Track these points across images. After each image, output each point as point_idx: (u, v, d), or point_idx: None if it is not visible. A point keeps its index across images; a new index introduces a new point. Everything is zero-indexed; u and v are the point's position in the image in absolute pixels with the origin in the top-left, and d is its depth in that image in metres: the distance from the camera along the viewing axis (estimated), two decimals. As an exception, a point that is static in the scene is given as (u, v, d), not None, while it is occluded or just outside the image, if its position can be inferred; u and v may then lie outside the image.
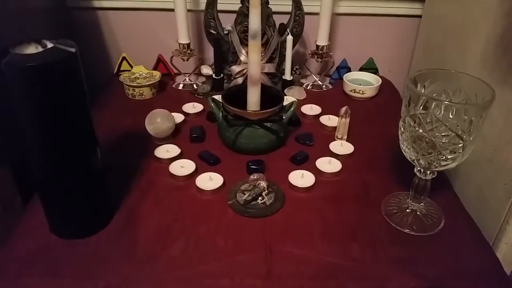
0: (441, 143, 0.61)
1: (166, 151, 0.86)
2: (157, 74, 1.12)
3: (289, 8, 1.11)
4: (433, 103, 0.59)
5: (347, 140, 0.92)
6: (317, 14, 1.10)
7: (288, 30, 1.09)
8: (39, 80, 0.55)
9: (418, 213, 0.73)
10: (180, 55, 1.13)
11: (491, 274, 0.64)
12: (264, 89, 0.85)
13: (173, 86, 1.16)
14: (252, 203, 0.74)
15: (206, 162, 0.85)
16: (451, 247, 0.68)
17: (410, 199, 0.73)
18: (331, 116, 1.00)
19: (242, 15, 1.07)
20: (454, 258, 0.66)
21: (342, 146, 0.89)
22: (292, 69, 1.13)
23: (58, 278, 0.62)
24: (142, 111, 0.93)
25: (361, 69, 1.20)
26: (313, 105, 1.05)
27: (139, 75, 1.12)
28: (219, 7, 1.10)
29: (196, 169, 0.82)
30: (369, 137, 0.94)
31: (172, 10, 1.07)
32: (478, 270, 0.64)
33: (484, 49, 0.83)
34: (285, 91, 1.11)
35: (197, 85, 1.15)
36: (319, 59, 1.15)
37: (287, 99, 1.01)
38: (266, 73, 1.09)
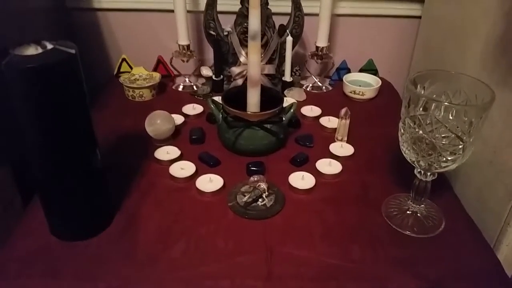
0: (441, 145, 0.61)
1: (166, 152, 0.86)
2: (157, 76, 1.12)
3: (288, 9, 1.11)
4: (433, 104, 0.59)
5: (347, 142, 0.92)
6: (316, 15, 1.10)
7: (287, 31, 1.09)
8: (39, 81, 0.55)
9: (418, 214, 0.73)
10: (180, 57, 1.13)
11: (492, 275, 0.64)
12: (264, 90, 0.85)
13: (173, 87, 1.16)
14: (252, 205, 0.74)
15: (206, 164, 0.84)
16: (452, 248, 0.68)
17: (411, 201, 0.73)
18: (331, 118, 1.00)
19: (242, 16, 1.07)
20: (455, 259, 0.66)
21: (342, 148, 0.89)
22: (292, 71, 1.13)
23: (58, 279, 0.61)
24: (142, 112, 0.93)
25: (361, 70, 1.20)
26: (313, 107, 1.05)
27: (139, 76, 1.12)
28: (219, 8, 1.10)
29: (196, 171, 0.82)
30: (369, 138, 0.94)
31: (172, 11, 1.07)
32: (478, 271, 0.64)
33: (484, 49, 0.83)
34: (285, 92, 1.11)
35: (197, 87, 1.15)
36: (319, 60, 1.15)
37: (287, 101, 1.01)
38: (266, 75, 1.09)
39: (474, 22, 0.87)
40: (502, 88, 0.74)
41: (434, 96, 0.65)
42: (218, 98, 0.90)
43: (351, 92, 1.12)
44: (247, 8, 0.83)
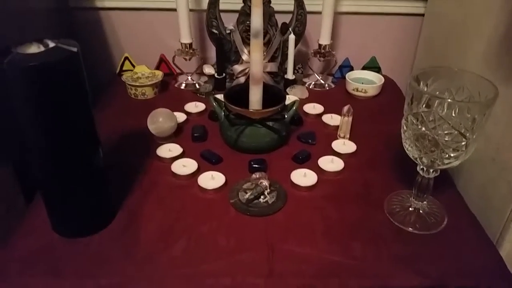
0: (444, 141, 0.61)
1: (168, 150, 0.86)
2: (159, 74, 1.12)
3: (291, 7, 1.11)
4: (436, 101, 0.58)
5: (349, 139, 0.92)
6: (319, 13, 1.09)
7: (290, 29, 1.09)
8: (41, 79, 0.55)
9: (421, 211, 0.73)
10: (182, 55, 1.13)
11: (495, 272, 0.64)
12: (266, 88, 0.85)
13: (175, 85, 1.16)
14: (254, 202, 0.74)
15: (208, 161, 0.85)
16: (454, 245, 0.68)
17: (413, 198, 0.73)
18: (334, 115, 1.00)
19: (244, 14, 1.07)
20: (457, 256, 0.66)
21: (344, 145, 0.89)
22: (294, 68, 1.13)
23: (60, 277, 0.62)
24: (144, 110, 0.93)
25: (364, 68, 1.20)
26: (315, 104, 1.05)
27: (142, 74, 1.12)
28: (221, 6, 1.10)
29: (198, 168, 0.82)
30: (372, 135, 0.94)
31: (174, 10, 1.07)
32: (481, 268, 0.64)
33: (487, 47, 0.82)
34: (287, 90, 1.10)
35: (199, 85, 1.15)
36: (322, 58, 1.15)
37: (289, 98, 1.01)
38: (268, 72, 1.09)
39: (477, 20, 0.87)
40: (506, 85, 0.73)
41: (437, 93, 0.64)
42: (220, 96, 0.90)
43: (353, 90, 1.11)
44: (250, 6, 0.83)
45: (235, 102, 0.84)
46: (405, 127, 0.65)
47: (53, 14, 1.07)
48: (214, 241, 0.67)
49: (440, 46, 1.05)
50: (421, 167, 0.67)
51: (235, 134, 0.86)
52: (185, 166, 0.82)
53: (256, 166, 0.82)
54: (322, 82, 1.18)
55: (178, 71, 1.18)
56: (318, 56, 1.15)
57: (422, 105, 0.60)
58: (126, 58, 1.17)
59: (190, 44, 1.12)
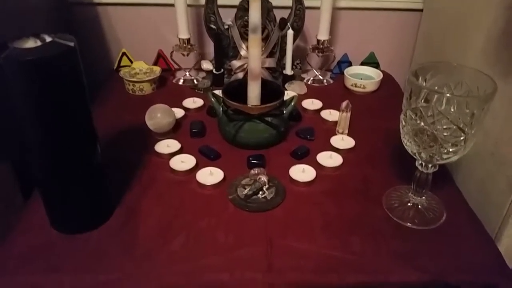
0: (443, 136, 0.60)
1: (166, 146, 0.86)
2: (157, 69, 1.12)
3: (289, 3, 1.11)
4: (435, 96, 0.58)
5: (348, 135, 0.92)
6: (317, 8, 1.09)
7: (288, 24, 1.09)
8: (38, 74, 0.54)
9: (419, 206, 0.73)
10: (180, 50, 1.12)
11: (493, 267, 0.64)
12: (264, 83, 0.85)
13: (173, 81, 1.16)
14: (253, 197, 0.74)
15: (206, 157, 0.84)
16: (453, 241, 0.68)
17: (412, 193, 0.73)
18: (332, 111, 1.00)
19: (242, 9, 1.06)
20: (456, 252, 0.66)
21: (343, 141, 0.89)
22: (292, 64, 1.12)
23: (59, 273, 0.62)
24: (142, 106, 0.92)
25: (362, 63, 1.20)
26: (314, 100, 1.05)
27: (139, 70, 1.12)
28: (219, 1, 1.09)
29: (197, 164, 0.81)
30: (370, 131, 0.93)
31: (172, 5, 1.06)
32: (480, 263, 0.64)
33: (486, 42, 0.82)
34: (286, 85, 1.10)
35: (197, 80, 1.15)
36: (320, 54, 1.14)
37: (288, 94, 1.00)
38: (267, 68, 1.08)
39: (476, 15, 0.87)
40: (504, 80, 0.73)
41: (436, 88, 0.64)
42: (218, 92, 0.90)
43: (352, 85, 1.11)
44: (248, 1, 0.82)
45: (234, 97, 0.84)
46: (403, 122, 0.65)
47: (52, 11, 1.07)
48: (212, 236, 0.67)
49: (439, 42, 1.05)
50: (420, 162, 0.67)
51: (234, 130, 0.86)
52: (184, 162, 0.81)
53: (255, 161, 0.81)
54: (321, 77, 1.17)
55: (176, 66, 1.18)
56: (316, 51, 1.14)
57: (421, 100, 0.60)
58: (124, 53, 1.17)
59: (188, 40, 1.11)
